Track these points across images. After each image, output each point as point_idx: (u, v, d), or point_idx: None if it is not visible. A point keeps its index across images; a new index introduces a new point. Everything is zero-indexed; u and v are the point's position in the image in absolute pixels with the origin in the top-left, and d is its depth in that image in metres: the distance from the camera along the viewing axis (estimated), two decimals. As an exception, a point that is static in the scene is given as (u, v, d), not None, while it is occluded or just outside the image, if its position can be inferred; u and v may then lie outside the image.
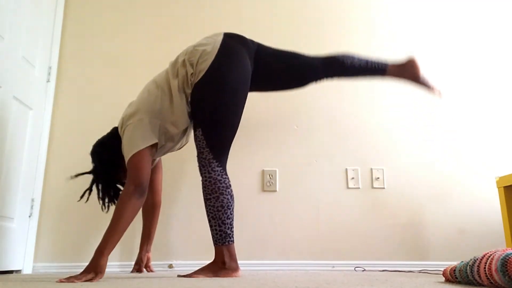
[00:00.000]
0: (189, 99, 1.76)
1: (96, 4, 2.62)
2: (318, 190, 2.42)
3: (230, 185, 1.69)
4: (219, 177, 1.67)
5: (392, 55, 2.62)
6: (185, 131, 1.86)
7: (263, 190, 2.42)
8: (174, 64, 1.82)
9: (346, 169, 2.46)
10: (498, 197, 2.16)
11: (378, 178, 2.45)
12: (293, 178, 2.43)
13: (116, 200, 1.86)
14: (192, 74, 1.74)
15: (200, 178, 2.33)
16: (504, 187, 2.07)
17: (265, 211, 2.38)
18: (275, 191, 2.42)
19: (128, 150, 1.68)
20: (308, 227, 2.37)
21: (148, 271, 2.10)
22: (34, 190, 2.25)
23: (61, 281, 1.38)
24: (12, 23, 2.03)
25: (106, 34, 2.58)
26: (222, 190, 1.66)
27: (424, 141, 2.52)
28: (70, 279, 1.42)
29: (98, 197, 1.86)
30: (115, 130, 1.87)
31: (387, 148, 2.50)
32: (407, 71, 1.96)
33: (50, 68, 2.40)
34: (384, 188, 2.44)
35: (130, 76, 2.51)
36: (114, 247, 1.59)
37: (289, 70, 1.93)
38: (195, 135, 1.74)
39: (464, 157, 2.50)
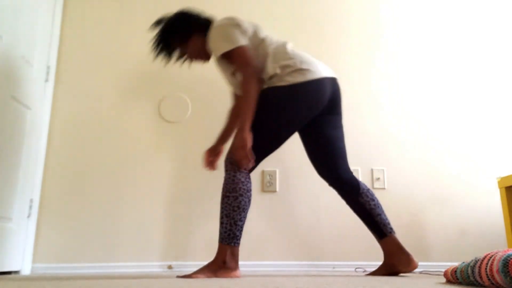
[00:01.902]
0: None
1: (95, 4, 2.61)
2: (318, 191, 2.41)
3: (250, 189, 1.70)
4: (242, 179, 1.68)
5: (390, 52, 2.63)
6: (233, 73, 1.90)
7: (263, 191, 2.41)
8: (277, 51, 1.81)
9: (347, 169, 2.45)
10: (500, 198, 2.16)
11: (378, 178, 2.44)
12: (293, 178, 2.43)
13: (167, 53, 1.99)
14: (275, 74, 1.75)
15: (201, 180, 2.35)
16: (506, 187, 2.07)
17: (265, 212, 2.38)
18: (275, 191, 2.41)
19: (228, 41, 1.76)
20: (308, 228, 2.36)
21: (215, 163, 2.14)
22: (33, 191, 2.24)
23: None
24: (11, 23, 2.02)
25: (104, 34, 2.58)
26: (243, 192, 1.66)
27: (425, 142, 2.52)
28: None
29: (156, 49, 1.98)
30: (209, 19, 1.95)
31: (388, 149, 2.49)
32: (402, 261, 1.76)
33: (48, 67, 2.40)
34: (384, 188, 2.44)
35: (128, 76, 2.51)
36: (250, 122, 1.69)
37: (321, 158, 1.90)
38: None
39: (465, 157, 2.50)
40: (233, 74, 1.87)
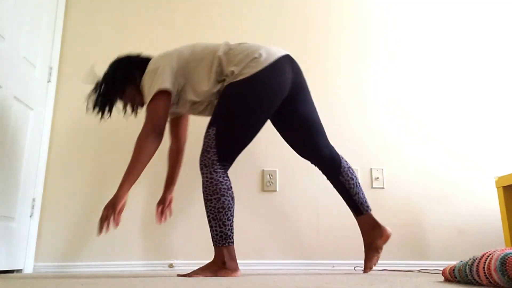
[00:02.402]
0: (219, 95, 1.78)
1: (97, 5, 2.62)
2: (318, 190, 2.42)
3: (231, 187, 1.69)
4: (220, 179, 1.67)
5: (390, 52, 2.65)
6: (194, 103, 1.85)
7: (263, 190, 2.42)
8: (232, 52, 1.78)
9: (346, 169, 2.46)
10: (497, 197, 2.17)
11: (377, 178, 2.45)
12: (293, 178, 2.44)
13: (107, 112, 1.93)
14: (232, 72, 1.74)
15: (200, 178, 2.35)
16: (503, 187, 2.08)
17: (265, 211, 2.39)
18: (275, 191, 2.42)
19: (150, 91, 1.74)
20: (308, 227, 2.38)
21: (167, 212, 2.17)
22: (35, 190, 2.26)
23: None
24: (13, 23, 2.03)
25: (106, 35, 2.59)
26: (224, 191, 1.66)
27: (424, 141, 2.53)
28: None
29: (94, 105, 1.92)
30: (147, 60, 1.91)
31: (386, 148, 2.51)
32: (377, 235, 1.82)
33: (51, 68, 2.41)
34: (383, 188, 2.45)
35: (130, 76, 2.52)
36: (133, 183, 1.70)
37: (300, 137, 1.90)
38: (207, 132, 1.72)
39: (464, 157, 2.51)
40: (193, 105, 1.85)
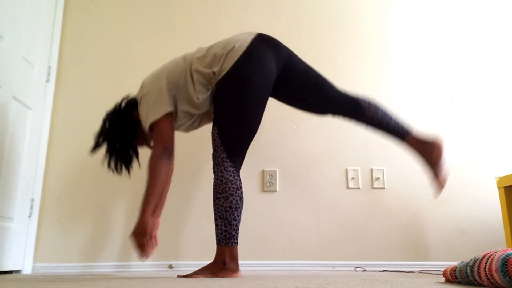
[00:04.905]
0: (213, 95, 1.78)
1: (96, 4, 2.62)
2: (318, 190, 2.42)
3: (241, 187, 1.69)
4: (230, 177, 1.67)
5: (388, 52, 2.64)
6: (198, 117, 1.87)
7: (263, 190, 2.42)
8: (205, 54, 1.79)
9: (346, 169, 2.46)
10: (499, 197, 2.16)
11: (378, 178, 2.45)
12: (293, 178, 2.43)
13: (130, 165, 1.93)
14: (213, 73, 1.74)
15: (201, 179, 2.36)
16: (505, 187, 2.07)
17: (265, 211, 2.38)
18: (275, 191, 2.42)
19: (150, 116, 1.74)
20: (308, 228, 2.37)
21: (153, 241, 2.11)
22: (34, 190, 2.25)
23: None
24: (12, 23, 2.03)
25: (105, 34, 2.58)
26: (232, 191, 1.66)
27: (424, 141, 2.52)
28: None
29: (113, 164, 1.89)
30: (131, 99, 1.90)
31: (387, 148, 2.50)
32: (428, 151, 1.81)
33: (49, 68, 2.40)
34: (384, 188, 2.44)
35: (129, 76, 2.51)
36: (153, 206, 1.72)
37: (311, 96, 1.88)
38: (212, 133, 1.74)
39: (465, 157, 2.51)
40: (193, 123, 1.87)
